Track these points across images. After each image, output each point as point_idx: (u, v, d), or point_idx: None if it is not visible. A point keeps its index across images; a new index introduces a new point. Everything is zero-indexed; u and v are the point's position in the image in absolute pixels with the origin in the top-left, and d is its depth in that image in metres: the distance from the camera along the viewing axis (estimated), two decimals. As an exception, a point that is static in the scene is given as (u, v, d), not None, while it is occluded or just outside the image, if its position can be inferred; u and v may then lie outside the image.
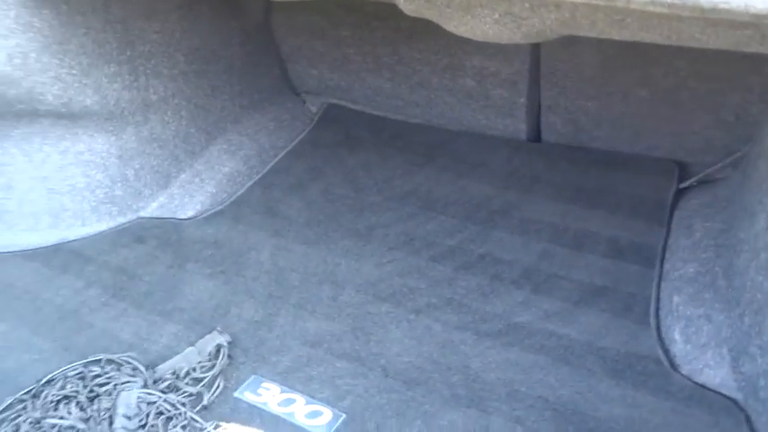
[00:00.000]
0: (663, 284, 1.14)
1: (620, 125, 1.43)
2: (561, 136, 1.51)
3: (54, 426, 0.84)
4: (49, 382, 0.93)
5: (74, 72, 1.23)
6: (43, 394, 0.90)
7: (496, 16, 0.87)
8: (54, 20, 1.18)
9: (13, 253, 1.27)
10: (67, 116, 1.27)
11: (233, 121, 1.58)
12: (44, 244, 1.29)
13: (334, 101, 1.75)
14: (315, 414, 0.91)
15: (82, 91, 1.24)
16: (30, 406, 0.89)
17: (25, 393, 0.91)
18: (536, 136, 1.57)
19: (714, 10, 0.66)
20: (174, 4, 1.40)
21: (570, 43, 1.37)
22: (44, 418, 0.86)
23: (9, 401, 0.91)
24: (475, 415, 0.91)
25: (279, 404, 0.92)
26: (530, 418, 0.90)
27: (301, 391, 0.94)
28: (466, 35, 0.93)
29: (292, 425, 0.89)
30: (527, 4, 0.81)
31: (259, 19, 1.66)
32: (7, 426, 0.87)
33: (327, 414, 0.90)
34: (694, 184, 1.34)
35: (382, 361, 1.00)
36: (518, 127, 1.53)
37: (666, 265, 1.17)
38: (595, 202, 1.35)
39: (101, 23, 1.26)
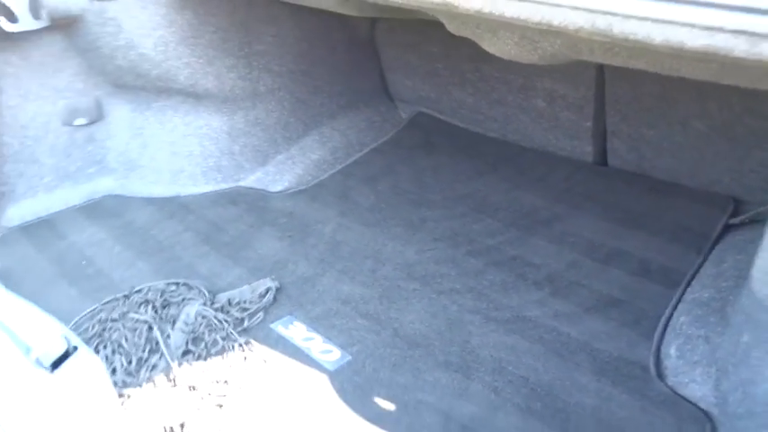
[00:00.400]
0: (679, 306, 1.19)
1: (681, 156, 1.48)
2: (625, 162, 1.58)
3: (134, 318, 1.12)
4: (138, 290, 1.22)
5: (201, 61, 1.54)
6: (132, 298, 1.19)
7: (516, 39, 1.01)
8: (193, 19, 1.49)
9: (140, 198, 1.60)
10: (193, 96, 1.59)
11: (329, 117, 1.82)
12: (163, 195, 1.61)
13: (424, 110, 1.95)
14: (327, 351, 1.11)
15: (205, 77, 1.56)
16: (120, 304, 1.18)
17: (121, 295, 1.21)
18: (602, 160, 1.65)
19: (626, 40, 0.76)
20: (290, 12, 1.66)
21: (631, 73, 1.44)
22: (128, 312, 1.15)
23: (108, 299, 1.21)
24: (459, 378, 1.06)
25: (302, 339, 1.13)
26: (506, 390, 1.03)
27: (322, 334, 1.15)
28: (497, 54, 1.07)
29: (308, 356, 1.10)
30: (537, 30, 0.94)
31: (364, 32, 1.90)
32: (104, 314, 1.17)
33: (336, 354, 1.10)
34: (745, 221, 1.35)
35: (396, 324, 1.17)
36: (584, 149, 1.62)
37: (687, 290, 1.22)
38: (639, 224, 1.41)
39: (227, 24, 1.56)
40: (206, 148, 1.62)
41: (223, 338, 1.09)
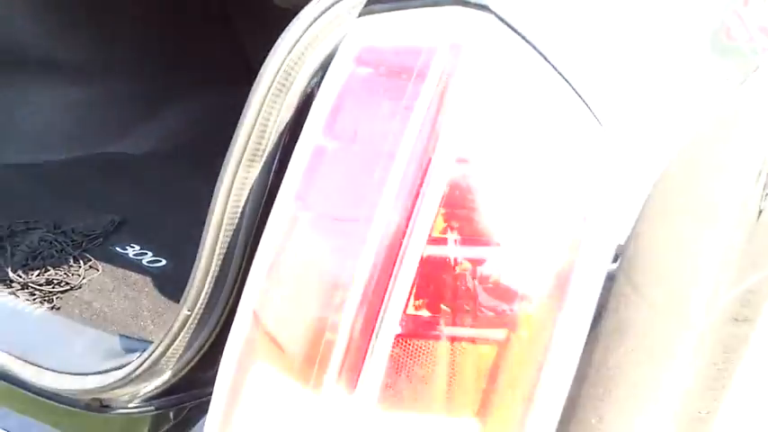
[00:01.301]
0: None
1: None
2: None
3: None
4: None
5: (53, 31, 1.67)
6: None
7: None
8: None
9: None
10: (49, 67, 1.73)
11: (187, 90, 1.99)
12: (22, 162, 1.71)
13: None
14: (156, 261, 1.30)
15: (58, 48, 1.70)
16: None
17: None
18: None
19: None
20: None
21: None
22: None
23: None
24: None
25: (134, 254, 1.32)
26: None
27: (154, 250, 1.32)
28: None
29: (138, 265, 1.28)
30: None
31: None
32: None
33: (162, 262, 1.30)
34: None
35: None
36: None
37: None
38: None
39: None
40: (64, 118, 1.77)
41: (58, 251, 1.26)
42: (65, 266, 1.25)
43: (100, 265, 1.28)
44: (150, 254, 1.33)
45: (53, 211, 1.46)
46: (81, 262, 1.27)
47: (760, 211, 0.98)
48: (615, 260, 0.59)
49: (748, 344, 1.33)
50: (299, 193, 0.59)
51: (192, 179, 1.61)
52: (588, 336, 0.58)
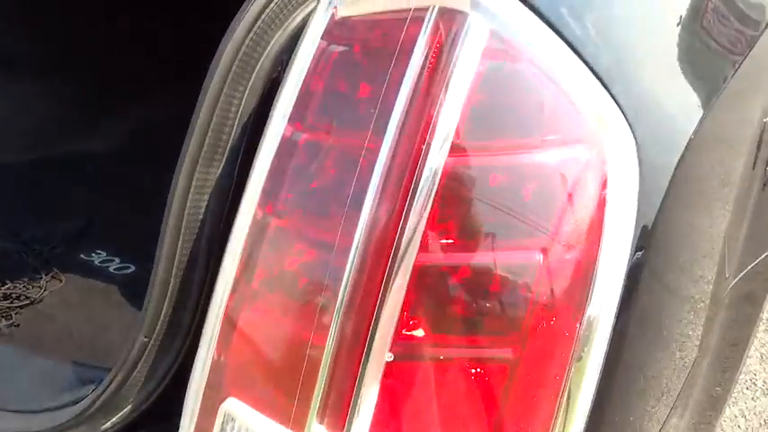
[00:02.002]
0: None
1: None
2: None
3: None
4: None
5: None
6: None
7: None
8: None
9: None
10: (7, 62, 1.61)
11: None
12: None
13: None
14: (124, 268, 1.21)
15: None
16: None
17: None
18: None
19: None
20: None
21: None
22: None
23: None
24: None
25: (99, 261, 1.22)
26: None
27: (120, 256, 1.22)
28: None
29: (104, 273, 1.18)
30: None
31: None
32: None
33: (131, 268, 1.20)
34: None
35: None
36: None
37: None
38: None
39: None
40: (21, 116, 1.66)
41: (16, 262, 1.15)
42: (24, 279, 1.15)
43: (63, 276, 1.18)
44: (117, 260, 1.23)
45: (10, 217, 1.37)
46: (42, 273, 1.18)
47: (765, 184, 0.91)
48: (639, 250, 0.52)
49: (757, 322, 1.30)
50: (265, 196, 0.51)
51: (161, 179, 1.52)
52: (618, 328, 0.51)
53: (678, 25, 0.59)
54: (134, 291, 1.18)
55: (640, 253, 0.50)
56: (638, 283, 0.51)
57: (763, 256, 1.05)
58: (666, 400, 0.77)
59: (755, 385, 1.95)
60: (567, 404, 0.48)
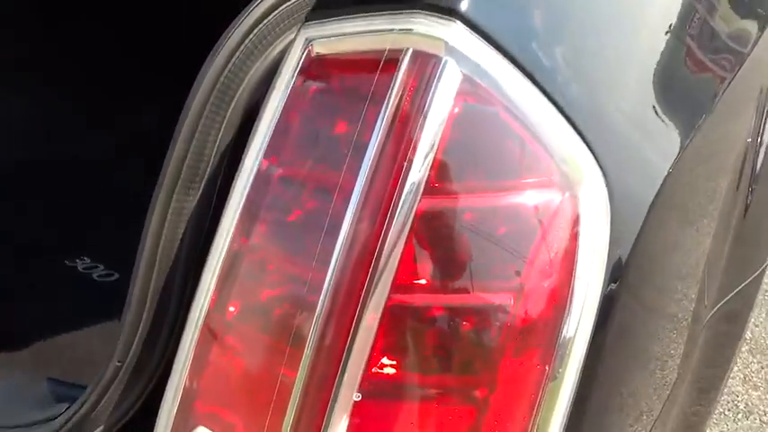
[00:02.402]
0: None
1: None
2: None
3: None
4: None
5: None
6: None
7: None
8: None
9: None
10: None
11: None
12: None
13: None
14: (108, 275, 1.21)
15: None
16: None
17: None
18: None
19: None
20: None
21: None
22: None
23: None
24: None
25: (83, 268, 1.23)
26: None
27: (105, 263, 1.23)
28: None
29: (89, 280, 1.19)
30: None
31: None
32: None
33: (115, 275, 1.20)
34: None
35: None
36: None
37: None
38: None
39: None
40: (7, 121, 1.65)
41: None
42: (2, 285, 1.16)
43: (45, 282, 1.19)
44: (102, 266, 1.24)
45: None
46: (23, 279, 1.18)
47: (746, 207, 0.92)
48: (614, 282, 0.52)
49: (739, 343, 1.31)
50: (240, 228, 0.51)
51: (147, 188, 1.52)
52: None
53: (657, 62, 0.60)
54: (117, 298, 1.19)
55: (614, 285, 0.51)
56: (615, 303, 0.52)
57: (744, 284, 1.06)
58: (646, 420, 0.78)
59: (737, 407, 1.94)
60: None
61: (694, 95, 0.67)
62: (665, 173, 0.55)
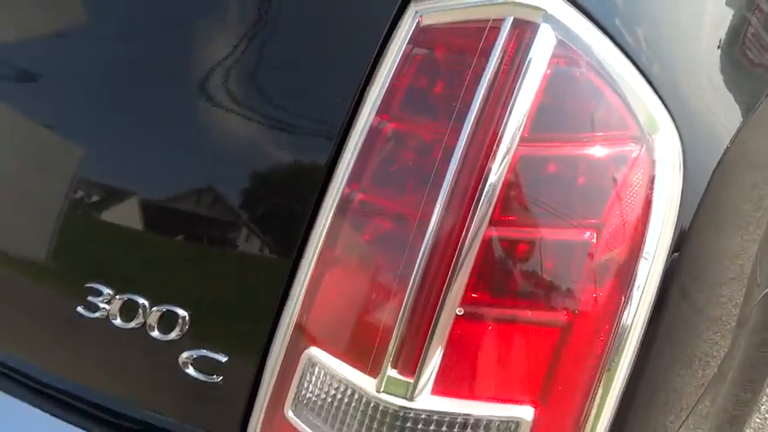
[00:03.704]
0: None
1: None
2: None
3: None
4: None
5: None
6: None
7: None
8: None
9: None
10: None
11: None
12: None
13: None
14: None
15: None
16: None
17: None
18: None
19: None
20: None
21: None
22: None
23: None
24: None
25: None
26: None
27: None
28: None
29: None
30: None
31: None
32: None
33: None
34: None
35: None
36: None
37: None
38: None
39: None
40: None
41: None
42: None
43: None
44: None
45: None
46: None
47: None
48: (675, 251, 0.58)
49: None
50: (353, 176, 0.59)
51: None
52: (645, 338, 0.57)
53: (719, 46, 0.66)
54: None
55: (676, 254, 0.57)
56: (667, 300, 0.57)
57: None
58: (684, 415, 0.82)
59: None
60: (599, 393, 0.55)
61: (753, 80, 0.72)
62: (727, 143, 0.61)
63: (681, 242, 0.57)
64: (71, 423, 0.74)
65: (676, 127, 0.54)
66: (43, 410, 0.75)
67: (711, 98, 0.61)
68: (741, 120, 0.66)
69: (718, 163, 0.61)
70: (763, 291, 0.93)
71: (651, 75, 0.53)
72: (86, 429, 0.73)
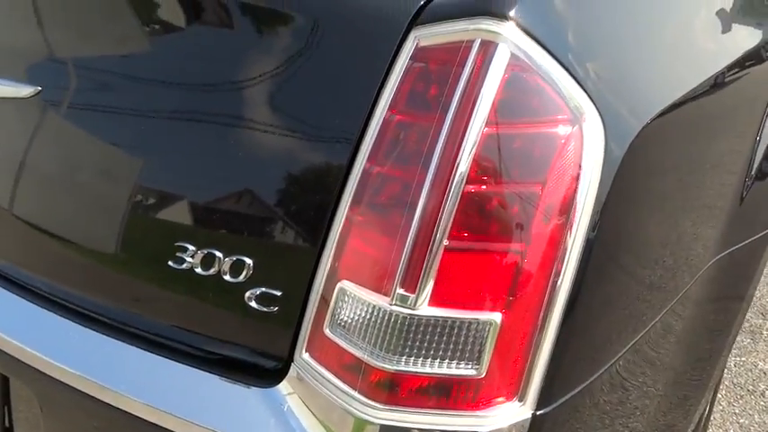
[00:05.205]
0: None
1: None
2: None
3: None
4: None
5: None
6: None
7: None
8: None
9: None
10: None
11: None
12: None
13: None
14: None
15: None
16: None
17: None
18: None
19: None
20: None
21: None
22: None
23: None
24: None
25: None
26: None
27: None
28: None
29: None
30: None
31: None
32: None
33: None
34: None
35: None
36: None
37: None
38: None
39: None
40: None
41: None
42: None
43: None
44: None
45: None
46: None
47: (742, 198, 1.14)
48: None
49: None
50: (372, 154, 0.80)
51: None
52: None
53: (638, 50, 0.87)
54: None
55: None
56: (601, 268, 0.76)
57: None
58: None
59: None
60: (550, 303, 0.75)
61: (670, 77, 0.93)
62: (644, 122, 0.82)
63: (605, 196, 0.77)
64: (163, 357, 0.96)
65: (598, 111, 0.75)
66: (140, 348, 0.98)
67: (627, 92, 0.82)
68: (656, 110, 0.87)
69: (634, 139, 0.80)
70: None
71: (578, 76, 0.75)
72: (175, 360, 0.95)
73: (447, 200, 0.75)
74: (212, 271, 0.90)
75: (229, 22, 0.95)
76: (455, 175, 0.75)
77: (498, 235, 0.76)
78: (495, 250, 0.75)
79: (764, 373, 2.72)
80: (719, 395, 2.54)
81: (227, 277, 0.89)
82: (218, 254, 0.89)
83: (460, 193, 0.75)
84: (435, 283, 0.75)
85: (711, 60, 1.03)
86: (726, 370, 2.67)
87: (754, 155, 1.20)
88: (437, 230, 0.75)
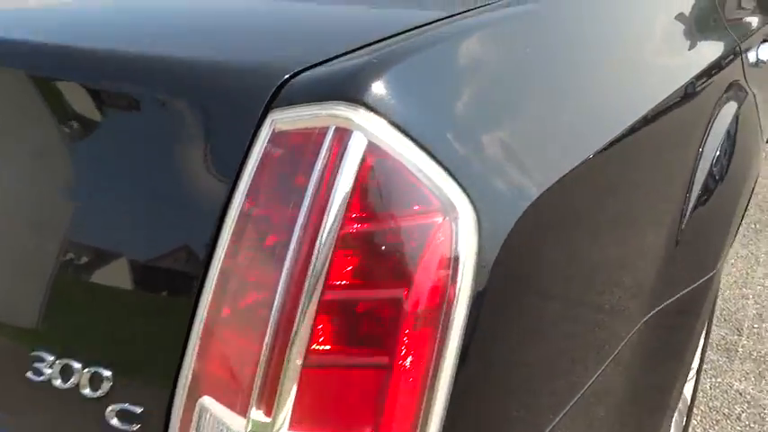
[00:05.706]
0: None
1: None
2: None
3: None
4: None
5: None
6: None
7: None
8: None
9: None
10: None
11: None
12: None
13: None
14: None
15: None
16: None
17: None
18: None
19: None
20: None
21: None
22: None
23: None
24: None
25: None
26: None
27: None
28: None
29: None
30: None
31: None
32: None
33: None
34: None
35: None
36: None
37: None
38: None
39: None
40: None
41: None
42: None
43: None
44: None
45: None
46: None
47: (677, 242, 1.06)
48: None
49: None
50: (229, 251, 0.72)
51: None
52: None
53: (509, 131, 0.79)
54: None
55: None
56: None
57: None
58: None
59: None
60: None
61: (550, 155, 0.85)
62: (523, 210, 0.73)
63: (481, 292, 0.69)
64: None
65: (469, 199, 0.67)
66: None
67: (505, 173, 0.74)
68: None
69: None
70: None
71: (447, 161, 0.66)
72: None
73: (304, 311, 0.66)
74: (69, 384, 0.81)
75: (74, 113, 0.86)
76: (310, 279, 0.66)
77: (360, 349, 0.67)
78: (356, 365, 0.67)
79: (740, 393, 2.62)
80: (694, 421, 2.46)
81: (85, 391, 0.80)
82: (76, 364, 0.81)
83: (316, 305, 0.66)
84: (295, 406, 0.66)
85: (612, 119, 0.95)
86: (700, 392, 2.59)
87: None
88: (292, 344, 0.66)
